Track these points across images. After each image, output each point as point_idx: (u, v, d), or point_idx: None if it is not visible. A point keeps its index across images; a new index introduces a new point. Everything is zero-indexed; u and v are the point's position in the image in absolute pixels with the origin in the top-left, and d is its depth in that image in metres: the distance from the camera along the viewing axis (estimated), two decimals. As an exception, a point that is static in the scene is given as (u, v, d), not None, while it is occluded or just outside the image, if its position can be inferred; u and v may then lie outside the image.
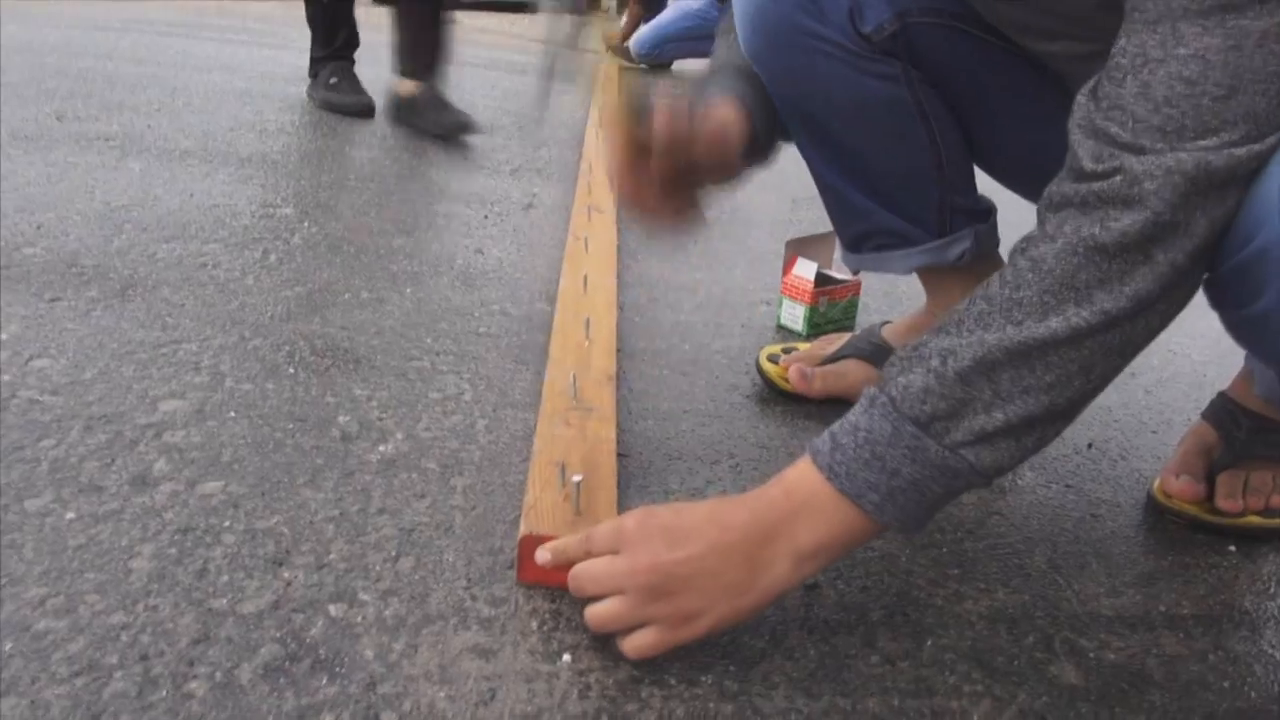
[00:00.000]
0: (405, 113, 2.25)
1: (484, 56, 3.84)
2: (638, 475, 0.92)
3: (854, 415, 0.64)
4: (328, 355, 1.10)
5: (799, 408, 1.09)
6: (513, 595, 0.71)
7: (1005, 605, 0.79)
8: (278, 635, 0.66)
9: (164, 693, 0.59)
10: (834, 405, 1.12)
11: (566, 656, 0.67)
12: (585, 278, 1.27)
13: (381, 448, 0.91)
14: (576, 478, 0.77)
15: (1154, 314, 0.60)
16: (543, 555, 0.70)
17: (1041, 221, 0.62)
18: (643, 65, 4.14)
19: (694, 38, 4.07)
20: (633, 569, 0.63)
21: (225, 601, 0.69)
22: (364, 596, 0.70)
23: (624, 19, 4.51)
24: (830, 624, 0.74)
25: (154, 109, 2.31)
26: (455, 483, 0.86)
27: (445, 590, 0.70)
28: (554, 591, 0.71)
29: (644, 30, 4.16)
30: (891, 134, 0.93)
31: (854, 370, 1.11)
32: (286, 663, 0.64)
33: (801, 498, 0.63)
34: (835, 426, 0.65)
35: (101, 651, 0.62)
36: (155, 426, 0.91)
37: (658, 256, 1.64)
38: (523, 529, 0.73)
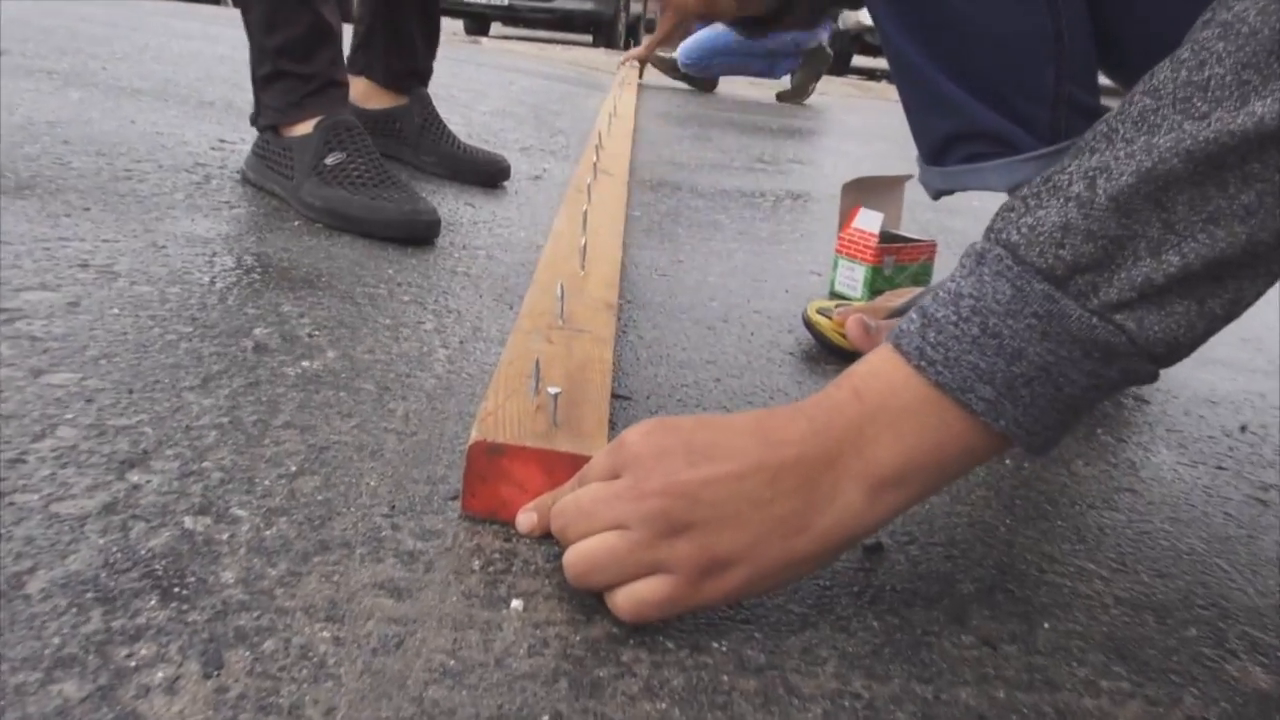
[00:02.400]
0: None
1: (507, 64, 3.86)
2: (640, 418, 0.79)
3: (953, 280, 0.51)
4: (258, 271, 0.98)
5: None
6: (450, 529, 0.60)
7: (1152, 590, 0.62)
8: (100, 543, 0.52)
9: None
10: None
11: (516, 603, 0.53)
12: (585, 214, 1.15)
13: (305, 363, 0.80)
14: (554, 389, 0.63)
15: None
16: (524, 518, 0.58)
17: None
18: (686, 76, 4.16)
19: (744, 53, 4.06)
20: (639, 490, 0.50)
21: (37, 498, 0.54)
22: (239, 512, 0.58)
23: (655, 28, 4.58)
24: (901, 594, 0.58)
25: (116, 57, 2.25)
26: (395, 406, 0.75)
27: (357, 516, 0.60)
28: (511, 531, 0.60)
29: (690, 41, 4.15)
30: None
31: None
32: (103, 574, 0.49)
33: (879, 398, 0.50)
34: (926, 299, 0.51)
35: None
36: (7, 313, 0.78)
37: (684, 224, 1.53)
38: (474, 435, 0.59)
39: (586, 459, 0.58)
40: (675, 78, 4.18)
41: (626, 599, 0.50)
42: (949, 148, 0.91)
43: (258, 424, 0.69)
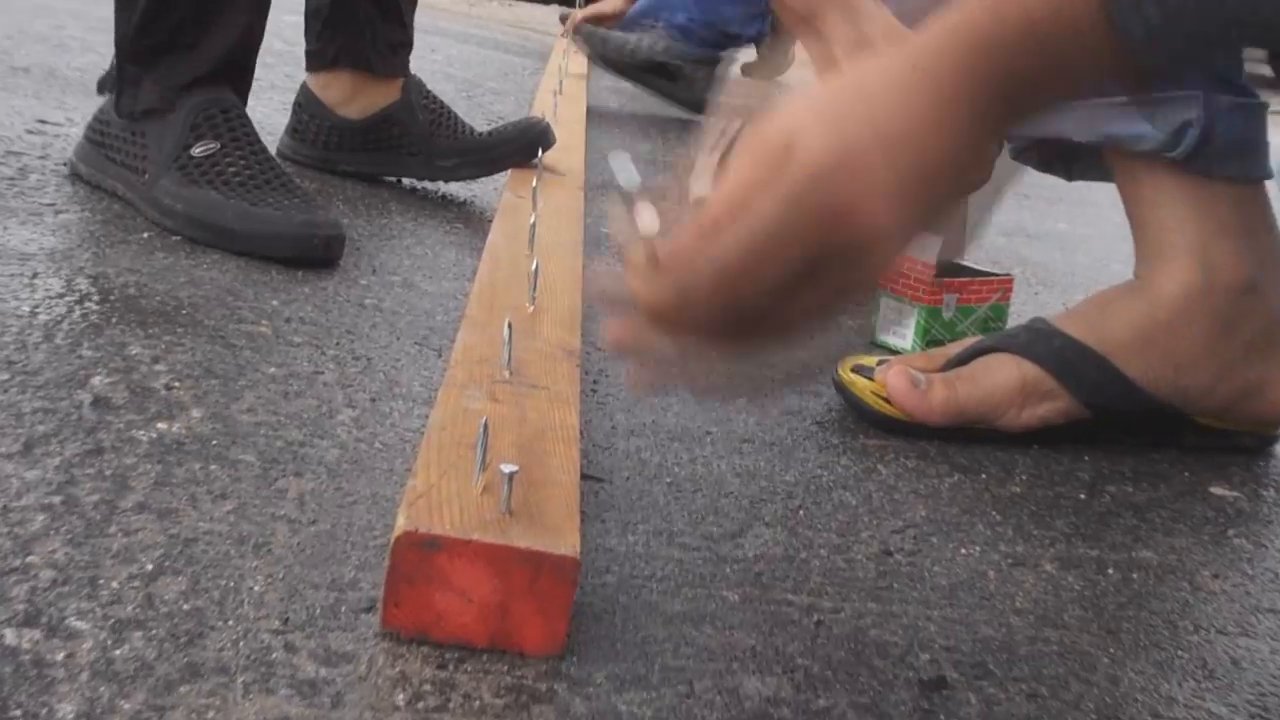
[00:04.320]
0: None
1: (426, 24, 3.88)
2: (618, 508, 0.82)
3: None
4: (94, 299, 1.00)
5: (907, 444, 1.03)
6: (365, 651, 0.61)
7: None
8: (-109, 664, 0.52)
9: None
10: (967, 443, 1.03)
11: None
12: (533, 227, 1.17)
13: (161, 425, 0.82)
14: (509, 467, 0.65)
15: None
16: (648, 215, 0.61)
17: None
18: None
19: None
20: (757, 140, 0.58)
21: None
22: (78, 624, 0.59)
23: None
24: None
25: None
26: (286, 485, 0.77)
27: (237, 632, 0.61)
28: (449, 655, 0.62)
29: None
30: None
31: (1001, 370, 1.03)
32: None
33: None
34: None
35: None
36: None
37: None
38: (400, 525, 0.61)
39: (556, 558, 0.60)
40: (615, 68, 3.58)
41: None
42: None
43: (100, 506, 0.69)
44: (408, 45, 1.63)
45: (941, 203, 0.60)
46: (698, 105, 2.86)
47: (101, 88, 1.32)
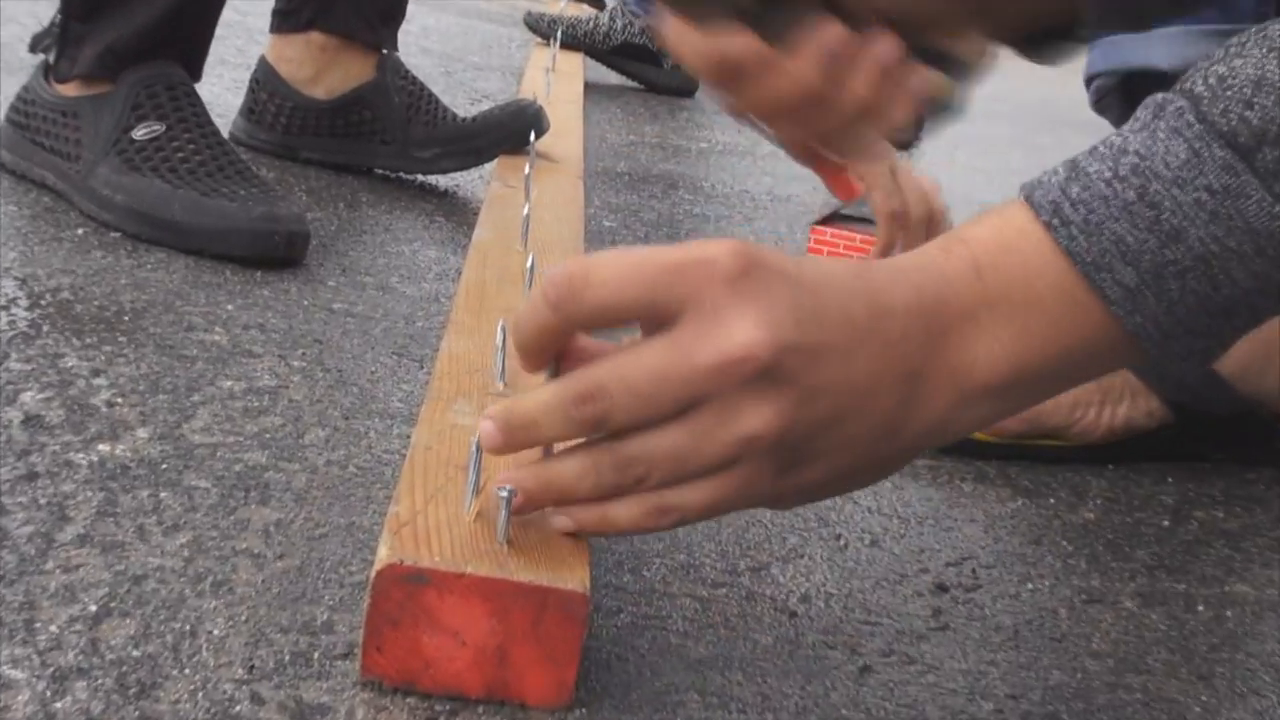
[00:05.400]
0: None
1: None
2: (631, 538, 0.83)
3: (1119, 135, 0.61)
4: (23, 304, 1.01)
5: (962, 464, 1.03)
6: (342, 703, 0.62)
7: None
8: None
9: None
10: (1031, 463, 1.03)
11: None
12: (526, 219, 1.18)
13: (103, 446, 0.83)
14: (504, 490, 0.65)
15: None
16: (488, 429, 0.64)
17: None
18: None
19: None
20: (736, 347, 0.58)
21: None
22: (12, 673, 0.60)
23: None
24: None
25: None
26: (249, 515, 0.78)
27: (195, 682, 0.62)
28: (439, 707, 0.62)
29: None
30: None
31: None
32: None
33: (1005, 282, 0.61)
34: (1081, 153, 0.62)
35: None
36: None
37: (686, 240, 1.56)
38: (382, 557, 0.61)
39: (562, 594, 0.60)
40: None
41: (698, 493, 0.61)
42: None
43: (36, 538, 0.70)
44: (399, 15, 1.64)
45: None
46: (685, 89, 2.85)
47: (35, 45, 1.32)
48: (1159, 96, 0.60)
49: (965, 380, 0.61)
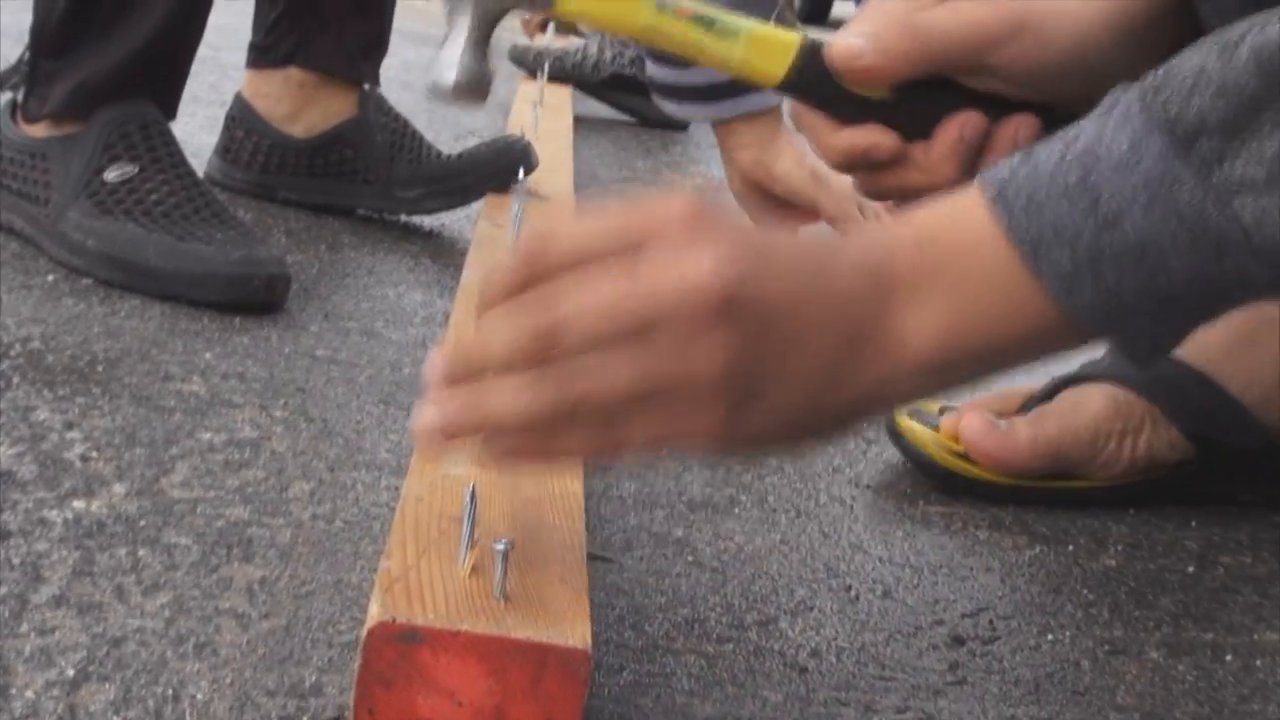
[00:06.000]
0: None
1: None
2: (632, 593, 0.83)
3: (1078, 123, 0.65)
4: None
5: (977, 510, 1.03)
6: None
7: None
8: None
9: None
10: (1049, 508, 1.05)
11: None
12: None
13: (78, 503, 0.83)
14: (501, 543, 0.66)
15: None
16: (431, 413, 0.66)
17: None
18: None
19: None
20: (692, 278, 0.61)
21: None
22: None
23: None
24: None
25: None
26: (231, 573, 0.78)
27: None
28: None
29: None
30: None
31: (1093, 401, 1.06)
32: None
33: (944, 254, 0.65)
34: (1040, 142, 0.65)
35: None
36: None
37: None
38: (373, 615, 0.62)
39: (563, 651, 0.60)
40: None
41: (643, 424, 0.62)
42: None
43: (9, 600, 0.70)
44: (381, 49, 1.64)
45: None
46: (678, 122, 2.83)
47: (2, 84, 1.32)
48: (1120, 87, 0.64)
49: (902, 347, 0.64)
